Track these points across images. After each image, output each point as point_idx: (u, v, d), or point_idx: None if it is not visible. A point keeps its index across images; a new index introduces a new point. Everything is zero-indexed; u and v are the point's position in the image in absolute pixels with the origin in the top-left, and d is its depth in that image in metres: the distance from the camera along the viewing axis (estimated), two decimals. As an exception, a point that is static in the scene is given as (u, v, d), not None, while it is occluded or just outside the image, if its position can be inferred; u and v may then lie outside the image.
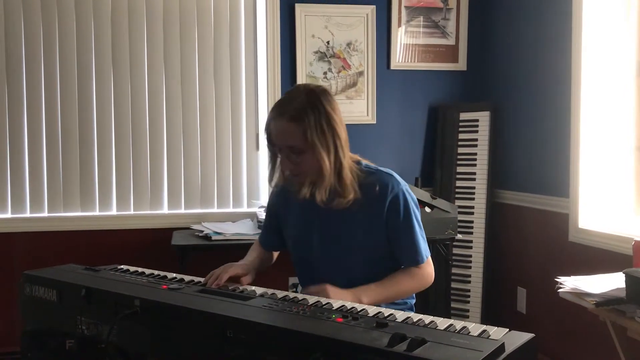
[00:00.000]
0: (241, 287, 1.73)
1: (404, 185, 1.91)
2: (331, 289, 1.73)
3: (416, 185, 3.53)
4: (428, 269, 1.94)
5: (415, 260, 1.91)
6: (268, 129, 1.84)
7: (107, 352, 1.53)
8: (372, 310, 1.43)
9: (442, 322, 1.31)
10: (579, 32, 3.03)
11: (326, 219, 1.92)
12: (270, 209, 2.14)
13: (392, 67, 3.88)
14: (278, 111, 1.80)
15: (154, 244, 3.62)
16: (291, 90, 1.87)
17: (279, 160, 1.88)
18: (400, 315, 1.38)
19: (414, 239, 1.90)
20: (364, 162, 1.94)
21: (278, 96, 3.73)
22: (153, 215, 3.70)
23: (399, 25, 3.86)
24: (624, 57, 2.98)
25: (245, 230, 3.39)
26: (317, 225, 1.94)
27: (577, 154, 3.07)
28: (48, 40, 3.56)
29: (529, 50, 3.54)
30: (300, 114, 1.76)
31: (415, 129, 3.95)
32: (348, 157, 1.85)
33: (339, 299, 1.66)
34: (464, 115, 3.87)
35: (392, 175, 1.91)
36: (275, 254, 2.19)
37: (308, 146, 1.76)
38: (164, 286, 1.62)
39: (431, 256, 1.97)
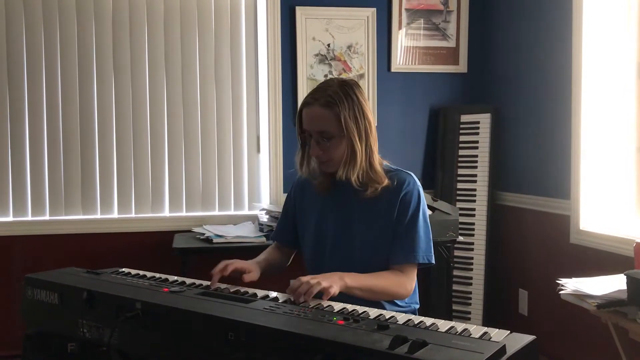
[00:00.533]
0: (242, 289, 1.72)
1: (420, 187, 1.93)
2: (314, 277, 1.66)
3: (417, 187, 3.53)
4: (411, 276, 1.88)
5: (409, 257, 1.86)
6: (300, 117, 1.88)
7: (109, 355, 1.53)
8: (373, 313, 1.43)
9: (443, 325, 1.31)
10: (579, 34, 3.03)
11: (344, 214, 1.93)
12: (288, 202, 2.14)
13: (392, 70, 3.88)
14: (312, 97, 1.84)
15: (156, 247, 3.62)
16: (324, 81, 1.92)
17: (307, 148, 1.90)
18: (401, 318, 1.38)
19: (415, 236, 1.87)
20: (385, 162, 1.97)
21: (279, 99, 3.74)
22: (154, 218, 3.70)
23: (400, 28, 3.87)
24: (624, 58, 2.98)
25: (247, 232, 3.39)
26: (333, 218, 1.95)
27: (577, 156, 3.07)
28: (49, 43, 3.57)
29: (529, 52, 3.54)
30: (335, 99, 1.80)
31: (416, 131, 3.95)
32: (377, 147, 1.90)
33: (325, 279, 1.64)
34: (464, 118, 3.87)
35: (411, 174, 1.94)
36: (291, 256, 2.15)
37: (341, 132, 1.81)
38: (166, 289, 1.61)
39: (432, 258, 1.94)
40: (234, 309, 1.43)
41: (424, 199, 1.94)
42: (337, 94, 1.82)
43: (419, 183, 1.94)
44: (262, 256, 2.07)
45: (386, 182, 1.86)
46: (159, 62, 3.69)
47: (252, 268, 1.89)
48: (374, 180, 1.86)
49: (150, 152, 3.70)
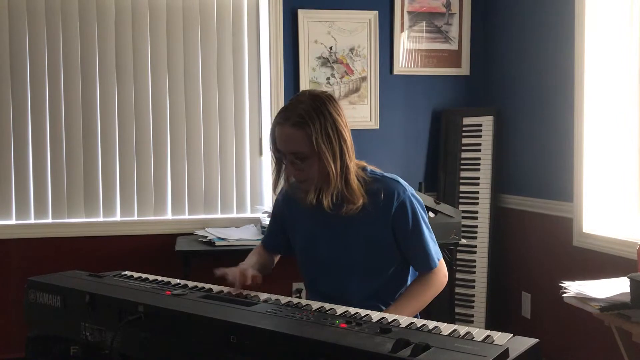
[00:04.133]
0: (244, 292, 1.72)
1: (410, 191, 1.90)
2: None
3: (420, 190, 3.53)
4: (442, 271, 1.93)
5: (428, 265, 1.90)
6: (273, 135, 1.82)
7: (111, 358, 1.53)
8: (375, 316, 1.43)
9: (446, 328, 1.31)
10: (582, 36, 3.03)
11: (332, 226, 1.91)
12: (275, 212, 2.13)
13: (395, 72, 3.89)
14: (283, 117, 1.77)
15: (158, 250, 3.63)
16: (296, 96, 1.84)
17: (283, 166, 1.86)
18: (404, 321, 1.38)
19: (425, 244, 1.89)
20: (370, 167, 1.92)
21: (281, 102, 3.74)
22: (157, 221, 3.70)
23: (402, 31, 3.87)
24: (627, 61, 2.97)
25: (249, 235, 3.39)
26: (323, 232, 1.93)
27: (580, 158, 3.06)
28: (52, 46, 3.58)
29: (531, 54, 3.54)
30: (305, 119, 1.73)
31: (419, 134, 3.95)
32: (354, 162, 1.84)
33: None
34: (467, 120, 3.87)
35: (397, 181, 1.90)
36: (276, 259, 2.17)
37: (313, 152, 1.75)
38: (168, 292, 1.62)
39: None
40: (236, 312, 1.43)
41: (418, 200, 1.91)
42: (308, 112, 1.74)
43: (408, 187, 1.90)
44: (253, 258, 2.04)
45: (361, 201, 1.81)
46: (161, 65, 3.69)
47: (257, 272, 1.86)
48: (349, 200, 1.81)
49: (152, 155, 3.71)
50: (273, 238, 2.13)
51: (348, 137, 1.81)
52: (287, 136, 1.76)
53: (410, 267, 1.98)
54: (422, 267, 1.92)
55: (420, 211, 1.90)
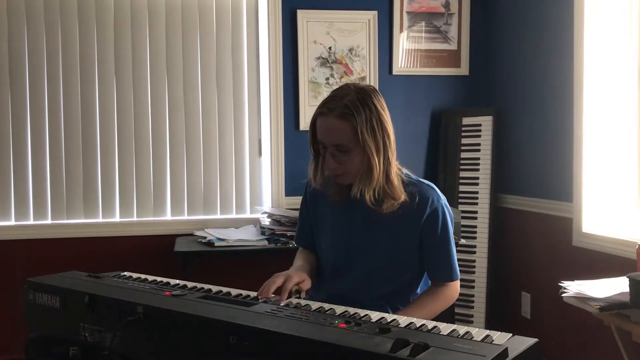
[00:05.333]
0: (244, 293, 1.72)
1: (444, 200, 1.88)
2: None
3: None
4: (456, 288, 1.92)
5: (449, 277, 1.88)
6: (313, 127, 1.79)
7: (111, 359, 1.53)
8: (375, 316, 1.43)
9: (445, 327, 1.31)
10: (581, 36, 3.03)
11: (358, 224, 1.88)
12: (303, 207, 2.08)
13: (394, 73, 3.89)
14: (327, 107, 1.74)
15: (157, 251, 3.62)
16: (340, 88, 1.80)
17: (320, 159, 1.83)
18: (403, 321, 1.38)
19: (450, 255, 1.87)
20: (405, 170, 1.90)
21: (280, 102, 3.74)
22: (156, 221, 3.70)
23: (401, 31, 3.87)
24: (627, 60, 2.97)
25: (249, 236, 3.39)
26: (349, 230, 1.90)
27: (580, 158, 3.06)
28: (51, 47, 3.58)
29: (531, 54, 3.54)
30: (351, 110, 1.70)
31: (418, 134, 3.95)
32: (395, 159, 1.83)
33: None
34: (466, 120, 3.87)
35: (433, 188, 1.88)
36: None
37: (357, 145, 1.72)
38: (167, 293, 1.61)
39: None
40: (236, 312, 1.43)
41: (450, 212, 1.88)
42: (354, 103, 1.71)
43: (442, 196, 1.88)
44: (298, 262, 1.99)
45: (403, 197, 1.79)
46: (160, 66, 3.69)
47: (302, 277, 1.78)
48: (390, 196, 1.78)
49: (152, 156, 3.71)
50: (306, 238, 2.07)
51: (391, 132, 1.80)
52: (331, 127, 1.73)
53: (422, 279, 1.96)
54: (441, 278, 1.89)
55: (450, 224, 1.87)
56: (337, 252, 1.94)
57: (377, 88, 1.84)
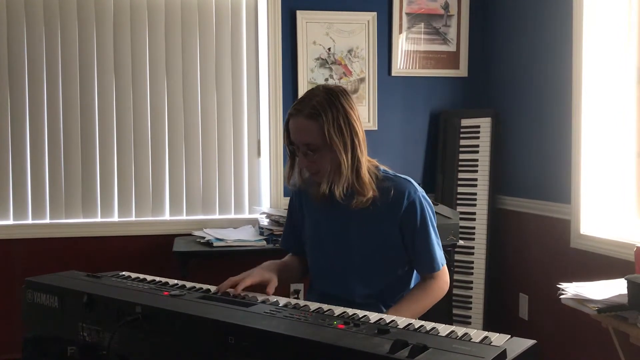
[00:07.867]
0: (242, 293, 1.72)
1: (421, 192, 1.91)
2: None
3: (418, 191, 3.53)
4: (444, 278, 1.94)
5: (431, 267, 1.91)
6: (286, 127, 1.86)
7: (109, 359, 1.53)
8: (373, 317, 1.43)
9: (443, 329, 1.31)
10: (580, 38, 3.03)
11: (340, 222, 1.92)
12: (289, 210, 2.13)
13: (393, 74, 3.89)
14: (296, 109, 1.82)
15: (156, 251, 3.62)
16: (311, 90, 1.88)
17: (297, 159, 1.89)
18: (402, 322, 1.38)
19: (430, 246, 1.89)
20: (382, 167, 1.94)
21: (279, 103, 3.74)
22: (155, 221, 3.70)
23: (400, 32, 3.87)
24: (625, 62, 2.98)
25: (247, 236, 3.39)
26: (332, 227, 1.94)
27: (578, 160, 3.07)
28: (50, 46, 3.58)
29: (530, 56, 3.55)
30: (318, 110, 1.78)
31: (417, 135, 3.95)
32: (366, 156, 1.87)
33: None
34: (465, 122, 3.87)
35: (410, 181, 1.91)
36: (305, 262, 2.11)
37: (325, 143, 1.78)
38: (166, 293, 1.61)
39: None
40: (235, 312, 1.43)
41: (429, 203, 1.92)
42: (321, 104, 1.78)
43: (419, 189, 1.91)
44: (277, 261, 2.03)
45: (371, 194, 1.83)
46: (159, 66, 3.69)
47: (267, 278, 1.80)
48: (359, 192, 1.83)
49: (150, 156, 3.71)
50: (288, 236, 2.13)
51: (360, 130, 1.85)
52: (300, 127, 1.80)
53: (415, 272, 1.98)
54: (424, 269, 1.92)
55: (430, 214, 1.90)
56: (322, 251, 1.98)
57: (347, 89, 1.90)
